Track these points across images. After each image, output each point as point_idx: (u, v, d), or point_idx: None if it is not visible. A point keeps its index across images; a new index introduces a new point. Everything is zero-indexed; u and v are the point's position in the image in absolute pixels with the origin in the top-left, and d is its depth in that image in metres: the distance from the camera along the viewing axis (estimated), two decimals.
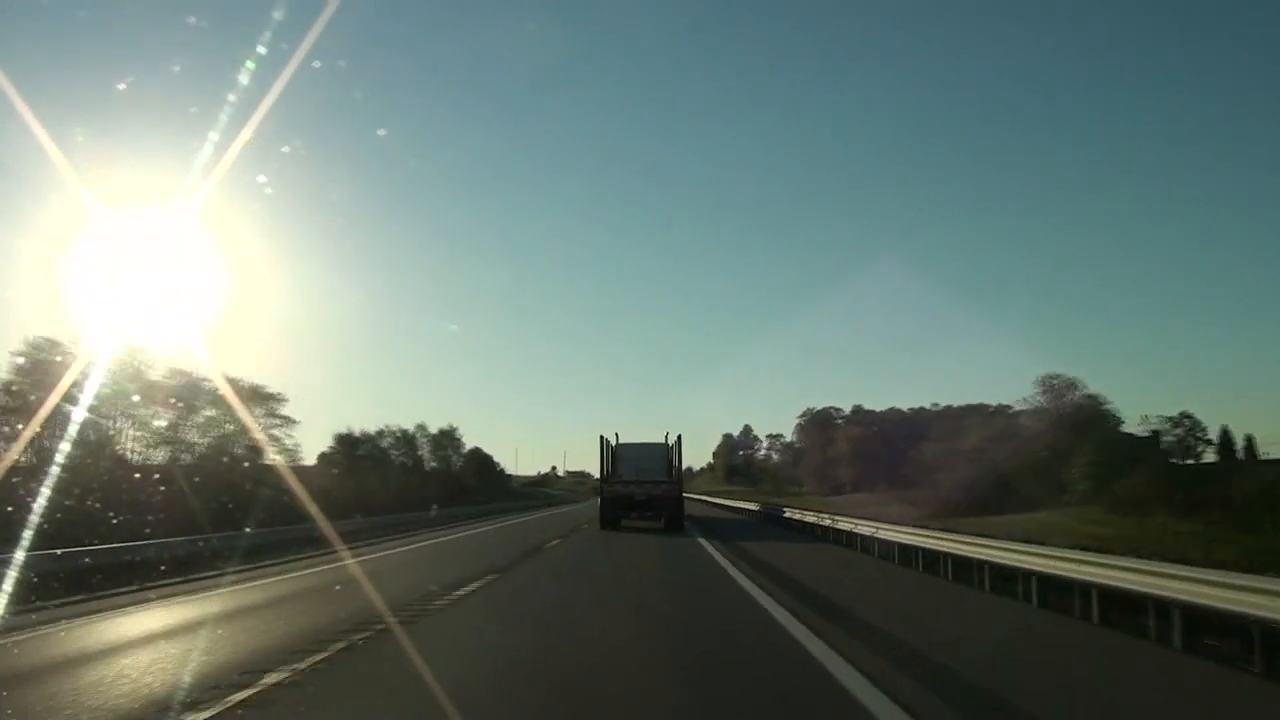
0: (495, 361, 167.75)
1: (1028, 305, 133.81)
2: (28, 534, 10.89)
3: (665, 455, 29.46)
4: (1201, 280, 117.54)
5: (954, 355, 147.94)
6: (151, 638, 8.52)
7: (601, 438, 29.76)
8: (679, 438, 29.82)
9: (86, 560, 12.50)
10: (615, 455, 29.45)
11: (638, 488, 27.67)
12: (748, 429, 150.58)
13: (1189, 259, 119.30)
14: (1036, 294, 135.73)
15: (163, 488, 18.77)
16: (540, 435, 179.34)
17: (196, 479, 20.14)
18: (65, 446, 16.52)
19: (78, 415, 17.92)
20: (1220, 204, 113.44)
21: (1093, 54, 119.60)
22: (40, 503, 12.04)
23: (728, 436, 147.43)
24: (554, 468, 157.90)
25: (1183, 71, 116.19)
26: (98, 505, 15.76)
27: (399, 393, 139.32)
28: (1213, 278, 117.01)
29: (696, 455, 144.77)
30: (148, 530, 15.52)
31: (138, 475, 20.16)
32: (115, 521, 15.48)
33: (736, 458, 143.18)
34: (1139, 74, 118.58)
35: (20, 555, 10.48)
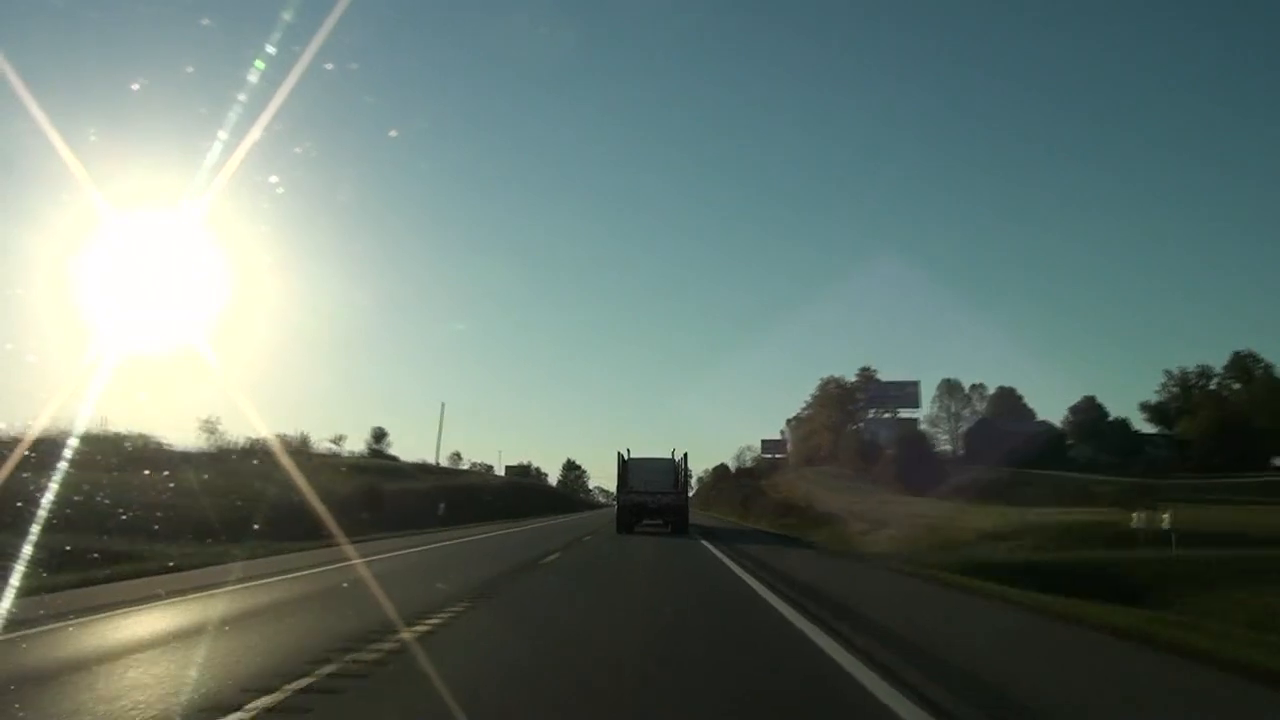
0: (501, 360, 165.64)
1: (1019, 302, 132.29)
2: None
3: (672, 469, 33.07)
4: (1198, 275, 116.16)
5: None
6: None
7: (618, 453, 33.21)
8: (685, 454, 33.79)
9: None
10: (627, 468, 32.70)
11: (650, 498, 31.56)
12: (868, 372, 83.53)
13: (1180, 252, 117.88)
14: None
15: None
16: (540, 435, 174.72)
17: None
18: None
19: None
20: (1219, 199, 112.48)
21: (1091, 55, 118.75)
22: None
23: (831, 380, 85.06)
24: (457, 454, 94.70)
25: (1184, 70, 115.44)
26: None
27: (404, 389, 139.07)
28: (1211, 267, 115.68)
29: (718, 457, 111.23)
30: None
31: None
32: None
33: (876, 429, 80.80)
34: (1142, 74, 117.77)
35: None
